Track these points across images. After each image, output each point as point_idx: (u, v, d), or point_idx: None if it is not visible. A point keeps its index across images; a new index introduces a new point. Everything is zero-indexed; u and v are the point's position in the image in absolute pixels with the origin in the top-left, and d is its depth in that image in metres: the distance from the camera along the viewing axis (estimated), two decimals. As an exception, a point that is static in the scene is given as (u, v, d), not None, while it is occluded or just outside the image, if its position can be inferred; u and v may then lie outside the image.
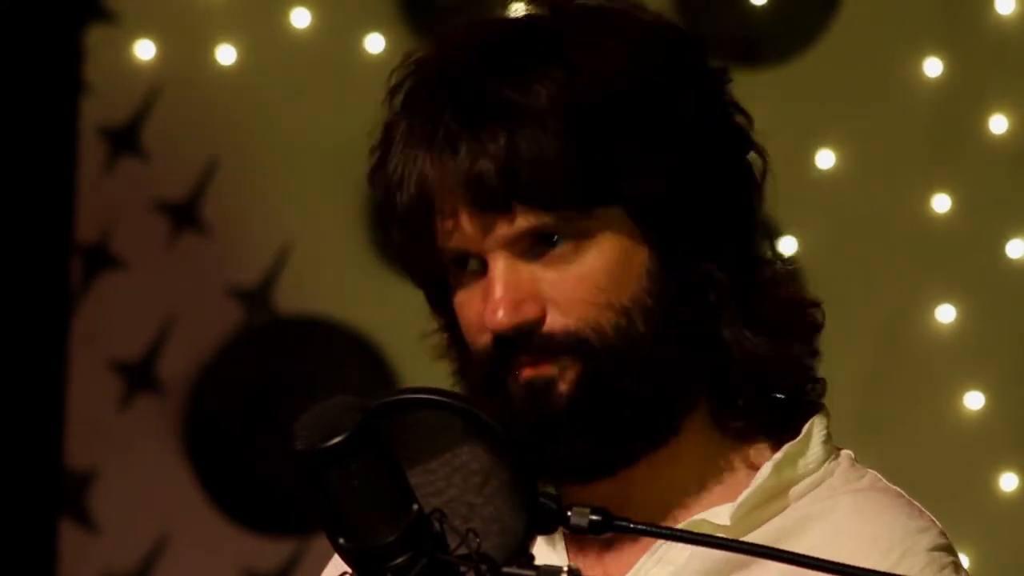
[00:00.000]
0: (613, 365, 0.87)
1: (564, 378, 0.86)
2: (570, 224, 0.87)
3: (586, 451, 0.87)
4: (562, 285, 0.87)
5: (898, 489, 0.95)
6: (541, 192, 0.85)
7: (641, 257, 0.89)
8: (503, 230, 0.86)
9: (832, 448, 0.95)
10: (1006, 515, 3.29)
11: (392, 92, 0.93)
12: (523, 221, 0.86)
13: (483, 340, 0.88)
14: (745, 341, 0.90)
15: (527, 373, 0.87)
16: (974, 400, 3.30)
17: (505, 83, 0.86)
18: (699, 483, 0.92)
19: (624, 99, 0.87)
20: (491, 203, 0.85)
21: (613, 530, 0.70)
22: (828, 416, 0.96)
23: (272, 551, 3.39)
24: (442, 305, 0.95)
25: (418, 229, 0.89)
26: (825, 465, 0.93)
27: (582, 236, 0.87)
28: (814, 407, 0.95)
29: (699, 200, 0.89)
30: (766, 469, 0.90)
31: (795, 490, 0.91)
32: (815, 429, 0.93)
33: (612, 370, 0.87)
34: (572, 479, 0.87)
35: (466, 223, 0.87)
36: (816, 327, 0.96)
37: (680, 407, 0.90)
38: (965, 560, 3.29)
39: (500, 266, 0.87)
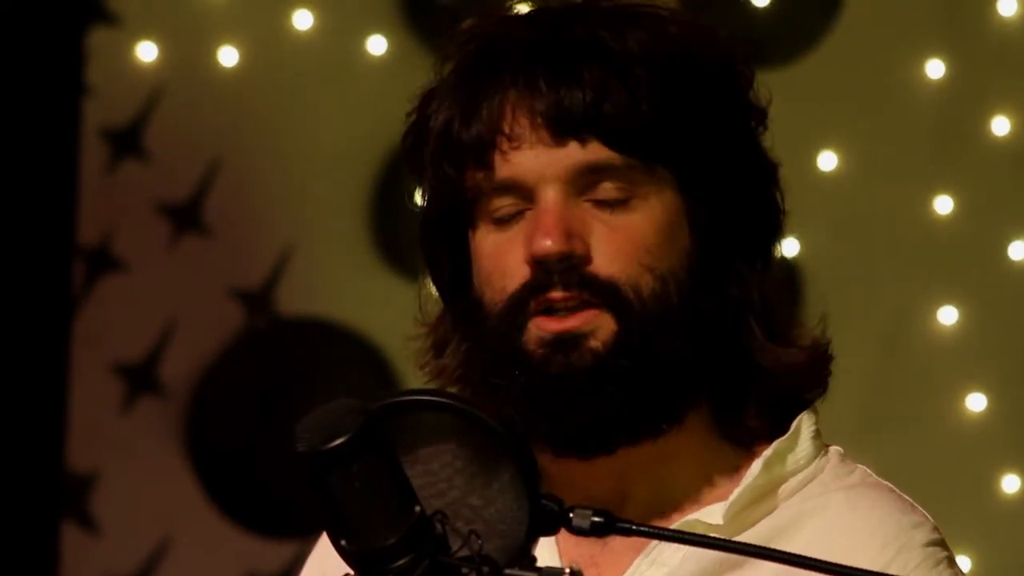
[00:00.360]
0: (648, 329, 0.87)
1: (597, 335, 0.87)
2: (631, 174, 0.88)
3: (601, 414, 0.86)
4: (611, 235, 0.88)
5: (889, 484, 0.95)
6: (619, 131, 0.87)
7: (683, 234, 0.90)
8: (571, 159, 0.88)
9: (821, 444, 0.95)
10: (1008, 517, 3.29)
11: (447, 54, 0.94)
12: (592, 155, 0.87)
13: (518, 278, 0.88)
14: (769, 352, 0.91)
15: (552, 326, 0.87)
16: (976, 402, 3.29)
17: (599, 29, 0.88)
18: (696, 482, 0.92)
19: (699, 73, 0.90)
20: (570, 130, 0.86)
21: (615, 532, 0.70)
22: (816, 413, 0.96)
23: (274, 553, 3.38)
24: (456, 270, 0.95)
25: (480, 156, 0.89)
26: (815, 462, 0.94)
27: (637, 191, 0.89)
28: (804, 404, 0.96)
29: (743, 194, 0.92)
30: (756, 467, 0.91)
31: (786, 487, 0.92)
32: (804, 425, 0.94)
33: (646, 334, 0.87)
34: (576, 444, 0.87)
35: (534, 149, 0.88)
36: (826, 361, 0.97)
37: (690, 393, 0.90)
38: (967, 561, 3.29)
39: (556, 197, 0.88)
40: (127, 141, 3.48)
